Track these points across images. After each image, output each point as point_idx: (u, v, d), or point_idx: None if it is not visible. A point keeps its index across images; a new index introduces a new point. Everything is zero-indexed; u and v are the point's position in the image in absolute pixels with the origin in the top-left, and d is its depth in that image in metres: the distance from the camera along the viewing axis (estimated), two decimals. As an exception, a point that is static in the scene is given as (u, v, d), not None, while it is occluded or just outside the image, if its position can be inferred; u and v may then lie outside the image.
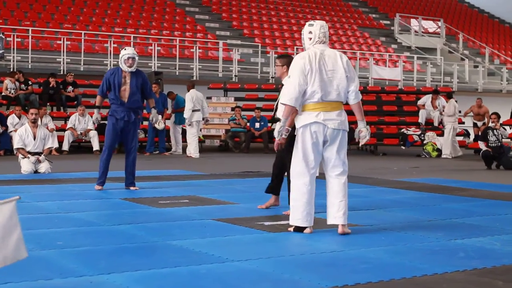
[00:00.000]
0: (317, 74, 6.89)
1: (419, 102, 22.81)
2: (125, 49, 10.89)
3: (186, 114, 18.48)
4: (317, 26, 7.17)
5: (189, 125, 18.61)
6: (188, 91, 18.85)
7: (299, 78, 6.86)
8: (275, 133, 7.06)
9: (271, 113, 23.16)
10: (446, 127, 20.50)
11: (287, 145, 7.60)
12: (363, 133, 7.26)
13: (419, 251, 6.27)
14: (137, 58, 10.76)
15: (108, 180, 11.85)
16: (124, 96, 10.65)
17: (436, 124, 22.57)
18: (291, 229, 7.13)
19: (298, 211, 6.99)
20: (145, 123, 20.16)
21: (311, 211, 7.00)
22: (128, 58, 10.67)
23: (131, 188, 10.72)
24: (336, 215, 6.99)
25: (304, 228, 7.03)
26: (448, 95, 21.17)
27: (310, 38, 7.15)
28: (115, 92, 10.66)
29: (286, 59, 8.44)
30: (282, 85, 8.23)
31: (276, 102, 8.74)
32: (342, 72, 7.00)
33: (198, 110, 18.65)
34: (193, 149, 18.69)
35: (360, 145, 22.33)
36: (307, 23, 7.28)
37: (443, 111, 21.52)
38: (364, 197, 9.72)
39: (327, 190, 7.07)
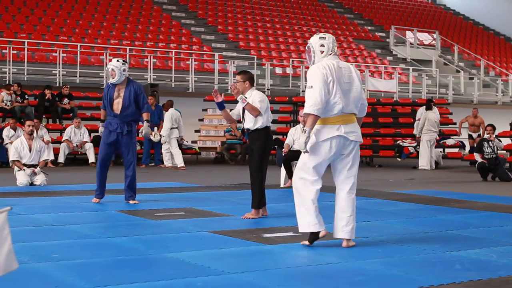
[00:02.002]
0: (337, 85, 6.85)
1: (417, 117, 22.83)
2: (117, 60, 10.72)
3: (164, 132, 18.80)
4: (330, 39, 7.10)
5: (167, 142, 18.96)
6: (167, 110, 19.16)
7: (324, 87, 6.78)
8: (301, 144, 6.90)
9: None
10: (423, 139, 20.39)
11: (261, 154, 8.47)
12: None
13: (416, 263, 6.26)
14: (121, 68, 10.49)
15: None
16: (117, 109, 10.56)
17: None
18: (306, 242, 7.02)
19: (312, 217, 6.89)
20: (141, 135, 20.18)
21: (320, 216, 6.95)
22: (112, 70, 10.54)
23: (130, 201, 10.61)
24: (344, 229, 6.97)
25: (318, 233, 6.95)
26: (427, 106, 21.04)
27: (322, 51, 7.05)
28: (109, 105, 10.63)
29: (247, 75, 8.66)
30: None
31: (243, 112, 9.17)
32: (357, 84, 7.01)
33: (176, 128, 19.01)
34: (180, 160, 18.88)
35: (364, 158, 22.40)
36: (318, 36, 7.17)
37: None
38: (360, 209, 9.68)
39: (336, 203, 7.05)
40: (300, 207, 6.97)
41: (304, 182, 6.93)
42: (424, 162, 20.24)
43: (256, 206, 9.10)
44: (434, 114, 20.82)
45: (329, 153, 6.89)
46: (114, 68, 10.49)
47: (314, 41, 7.10)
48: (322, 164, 6.94)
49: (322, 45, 7.06)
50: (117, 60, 10.64)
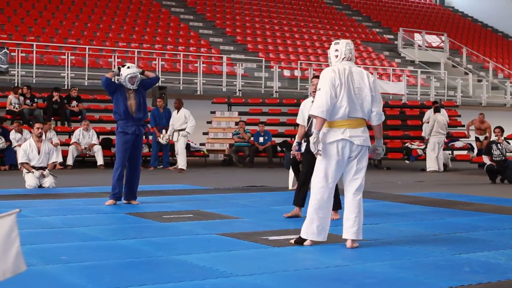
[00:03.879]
0: (345, 90, 6.95)
1: (424, 119, 22.79)
2: (128, 67, 10.72)
3: (190, 129, 18.56)
4: (343, 44, 7.22)
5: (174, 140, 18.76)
6: (179, 109, 18.80)
7: (331, 91, 6.90)
8: (311, 147, 7.01)
9: (275, 128, 23.25)
10: (431, 141, 20.42)
11: (310, 158, 8.11)
12: (379, 151, 7.42)
13: (424, 265, 6.25)
14: (139, 76, 10.69)
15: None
16: (132, 111, 10.58)
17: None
18: (292, 241, 7.25)
19: (314, 225, 7.05)
20: (150, 137, 20.20)
21: (325, 226, 7.08)
22: (132, 77, 10.57)
23: (133, 202, 10.66)
24: (350, 230, 7.06)
25: (304, 240, 7.12)
26: (435, 109, 21.03)
27: (337, 56, 7.20)
28: (123, 106, 10.57)
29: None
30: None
31: (309, 118, 8.92)
32: (367, 90, 7.08)
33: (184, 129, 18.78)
34: (183, 162, 18.62)
35: (373, 160, 22.37)
36: (333, 42, 7.34)
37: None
38: (368, 211, 9.68)
39: (345, 205, 7.16)
40: (308, 213, 7.12)
41: (316, 189, 7.07)
42: (432, 164, 20.21)
43: (338, 207, 9.09)
44: (443, 116, 20.80)
45: (336, 156, 6.97)
46: (138, 76, 10.64)
47: (330, 48, 7.29)
48: (331, 169, 7.01)
49: (336, 50, 7.21)
50: (128, 67, 10.69)
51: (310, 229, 7.07)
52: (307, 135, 9.08)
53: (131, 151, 10.66)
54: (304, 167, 9.15)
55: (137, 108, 10.63)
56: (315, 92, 8.76)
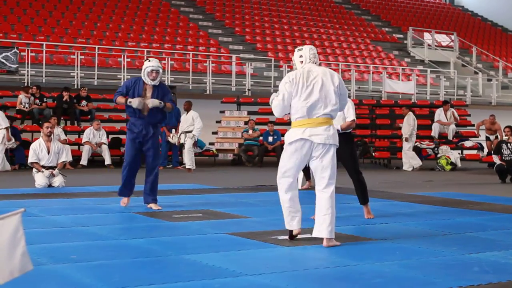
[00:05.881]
0: (306, 90, 7.16)
1: (436, 118, 22.76)
2: (149, 61, 10.07)
3: (197, 132, 18.73)
4: (307, 49, 7.51)
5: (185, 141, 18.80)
6: (188, 111, 18.91)
7: (287, 94, 7.20)
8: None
9: (285, 127, 23.23)
10: (410, 140, 20.61)
11: (348, 153, 8.84)
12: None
13: (434, 265, 6.24)
14: (161, 71, 10.07)
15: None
16: (144, 110, 10.03)
17: (450, 137, 22.50)
18: (286, 237, 7.49)
19: (285, 217, 7.41)
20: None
21: (296, 215, 7.38)
22: (152, 70, 9.93)
23: (153, 206, 10.15)
24: (319, 228, 7.16)
25: (292, 232, 7.42)
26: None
27: (302, 61, 7.45)
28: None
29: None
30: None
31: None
32: (331, 89, 7.23)
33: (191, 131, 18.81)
34: (189, 162, 18.65)
35: (382, 159, 22.40)
36: (296, 49, 7.62)
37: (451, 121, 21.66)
38: (377, 210, 9.68)
39: (316, 203, 7.30)
40: (282, 205, 7.46)
41: (278, 184, 7.37)
42: (410, 162, 20.41)
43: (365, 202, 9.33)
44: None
45: (295, 155, 7.22)
46: (159, 70, 10.03)
47: (294, 55, 7.57)
48: (291, 167, 7.27)
49: (300, 56, 7.47)
50: (149, 60, 10.08)
51: (285, 220, 7.42)
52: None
53: (139, 152, 10.22)
54: (348, 168, 9.31)
55: (151, 112, 10.05)
56: None
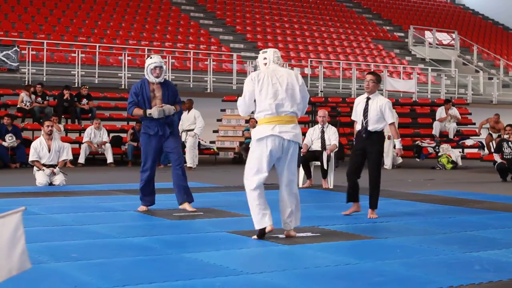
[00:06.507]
0: (272, 89, 7.37)
1: (437, 117, 22.74)
2: (151, 57, 9.81)
3: (198, 131, 18.68)
4: (271, 52, 7.73)
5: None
6: (189, 109, 18.85)
7: (248, 92, 7.49)
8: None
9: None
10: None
11: (376, 151, 9.12)
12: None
13: (435, 263, 6.24)
14: (164, 67, 9.74)
15: (122, 192, 11.89)
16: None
17: (451, 136, 22.49)
18: (255, 236, 7.43)
19: (255, 215, 7.40)
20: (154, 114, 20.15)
21: (266, 211, 7.39)
22: (155, 67, 9.61)
23: (187, 207, 9.67)
24: (286, 220, 7.49)
25: (264, 230, 7.39)
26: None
27: (265, 64, 7.67)
28: (147, 106, 9.68)
29: (380, 77, 9.48)
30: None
31: (365, 113, 9.27)
32: (296, 88, 7.50)
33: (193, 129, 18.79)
34: (190, 160, 18.59)
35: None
36: (261, 51, 7.85)
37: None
38: (378, 209, 9.67)
39: (279, 198, 7.55)
40: (249, 206, 7.50)
41: (248, 181, 7.44)
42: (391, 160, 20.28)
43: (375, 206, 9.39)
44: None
45: (266, 151, 7.34)
46: (162, 66, 9.69)
47: (259, 57, 7.79)
48: (262, 163, 7.37)
49: (264, 58, 7.70)
50: (151, 57, 9.80)
51: (255, 219, 7.40)
52: (361, 131, 9.38)
53: (157, 154, 9.95)
54: (371, 167, 9.43)
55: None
56: (368, 87, 9.26)
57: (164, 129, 9.75)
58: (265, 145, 7.34)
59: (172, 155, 9.91)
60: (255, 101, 7.49)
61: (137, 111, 9.75)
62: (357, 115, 9.48)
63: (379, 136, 9.38)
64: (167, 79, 10.20)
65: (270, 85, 7.39)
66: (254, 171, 7.38)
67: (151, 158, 9.82)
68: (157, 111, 9.59)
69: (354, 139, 9.80)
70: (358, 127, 9.50)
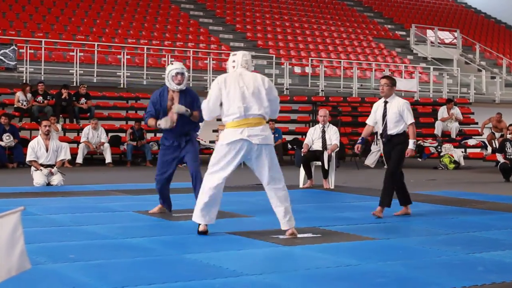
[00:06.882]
0: (239, 92, 7.40)
1: (440, 117, 22.70)
2: (172, 64, 9.39)
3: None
4: (240, 55, 7.77)
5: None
6: None
7: (213, 95, 7.46)
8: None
9: (286, 125, 23.16)
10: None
11: (398, 151, 9.27)
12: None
13: (437, 265, 6.20)
14: (186, 73, 9.32)
15: (121, 192, 11.83)
16: (173, 121, 9.27)
17: (453, 136, 22.43)
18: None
19: (198, 209, 7.54)
20: (158, 135, 20.14)
21: (210, 211, 7.52)
22: (177, 74, 9.15)
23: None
24: (283, 220, 7.52)
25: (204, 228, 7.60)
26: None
27: (234, 66, 7.72)
28: (161, 117, 9.30)
29: (394, 81, 9.70)
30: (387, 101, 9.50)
31: (384, 117, 9.46)
32: (263, 92, 7.49)
33: None
34: None
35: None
36: (231, 54, 7.90)
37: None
38: (380, 209, 9.61)
39: (269, 200, 7.61)
40: (198, 198, 7.64)
41: (208, 179, 7.56)
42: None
43: (388, 205, 9.43)
44: None
45: (233, 154, 7.43)
46: (184, 72, 9.27)
47: (229, 58, 7.87)
48: (226, 164, 7.47)
49: (233, 61, 7.76)
50: (172, 63, 9.46)
51: (196, 213, 7.54)
52: (382, 135, 9.58)
53: (171, 164, 9.55)
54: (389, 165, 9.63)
55: (181, 122, 9.28)
56: (383, 91, 9.45)
57: (180, 140, 9.40)
58: (233, 148, 7.39)
59: (187, 164, 9.59)
60: (221, 105, 7.47)
61: (151, 122, 9.43)
62: (376, 120, 9.66)
63: (399, 138, 9.48)
64: (188, 87, 9.72)
65: (238, 89, 7.41)
66: (217, 169, 7.49)
67: (162, 169, 9.54)
68: (164, 122, 9.24)
69: (361, 138, 9.91)
70: (379, 131, 9.76)
